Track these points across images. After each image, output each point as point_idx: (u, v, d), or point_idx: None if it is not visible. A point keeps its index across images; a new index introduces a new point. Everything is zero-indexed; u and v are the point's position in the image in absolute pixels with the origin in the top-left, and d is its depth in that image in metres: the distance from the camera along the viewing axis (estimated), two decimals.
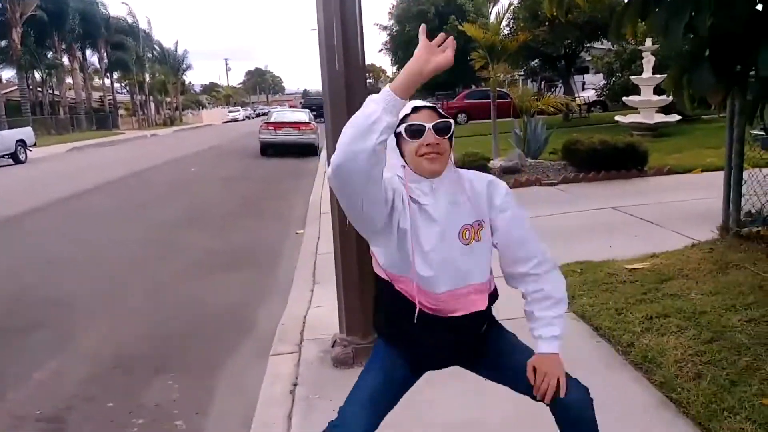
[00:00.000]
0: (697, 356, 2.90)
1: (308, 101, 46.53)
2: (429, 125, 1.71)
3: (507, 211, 1.84)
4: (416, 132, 1.72)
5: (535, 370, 1.80)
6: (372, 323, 2.03)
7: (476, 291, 1.80)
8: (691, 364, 2.84)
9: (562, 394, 1.77)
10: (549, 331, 1.84)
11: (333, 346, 3.36)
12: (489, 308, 1.89)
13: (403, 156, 1.77)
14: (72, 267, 6.18)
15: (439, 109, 1.75)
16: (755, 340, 2.96)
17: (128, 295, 5.16)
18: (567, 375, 1.82)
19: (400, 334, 1.89)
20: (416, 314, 1.77)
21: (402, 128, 1.73)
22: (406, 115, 1.74)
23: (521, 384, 1.85)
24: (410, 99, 1.64)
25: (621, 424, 2.39)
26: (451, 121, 1.76)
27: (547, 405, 1.80)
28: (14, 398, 3.37)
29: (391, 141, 1.76)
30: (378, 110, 1.49)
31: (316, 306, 4.33)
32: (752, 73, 2.48)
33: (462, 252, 1.77)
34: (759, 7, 2.46)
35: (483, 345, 1.92)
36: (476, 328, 1.87)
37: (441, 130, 1.72)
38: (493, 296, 1.89)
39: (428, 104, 1.76)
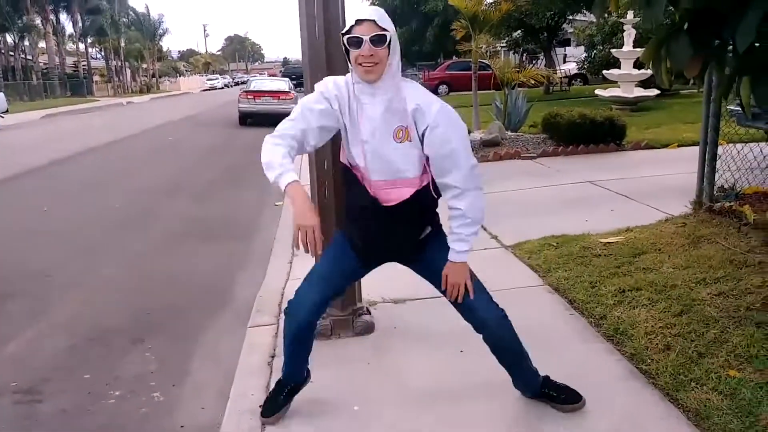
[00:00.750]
0: (666, 328, 2.97)
1: (288, 70, 45.84)
2: (366, 37, 1.98)
3: (438, 127, 2.06)
4: (355, 43, 2.00)
5: (447, 278, 2.21)
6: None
7: (407, 185, 2.14)
8: (661, 336, 2.91)
9: (471, 296, 2.23)
10: (460, 246, 2.18)
11: None
12: (430, 214, 2.28)
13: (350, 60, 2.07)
14: (46, 237, 6.09)
15: (379, 23, 1.99)
16: (723, 314, 3.04)
17: (105, 266, 5.11)
18: (484, 295, 2.28)
19: (353, 220, 2.31)
20: (367, 195, 2.15)
21: (345, 39, 2.03)
22: (351, 27, 2.01)
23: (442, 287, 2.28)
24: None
25: (592, 394, 2.45)
26: (387, 33, 2.01)
27: (459, 310, 2.31)
28: None
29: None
30: (272, 179, 2.12)
31: (294, 278, 4.33)
32: (729, 47, 2.49)
33: (395, 148, 2.10)
34: None
35: (422, 248, 2.29)
36: (410, 220, 2.22)
37: (377, 41, 1.99)
38: (431, 200, 2.21)
39: (370, 17, 2.00)
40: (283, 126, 2.17)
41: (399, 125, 2.08)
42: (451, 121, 2.09)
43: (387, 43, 2.01)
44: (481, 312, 2.27)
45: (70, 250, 5.62)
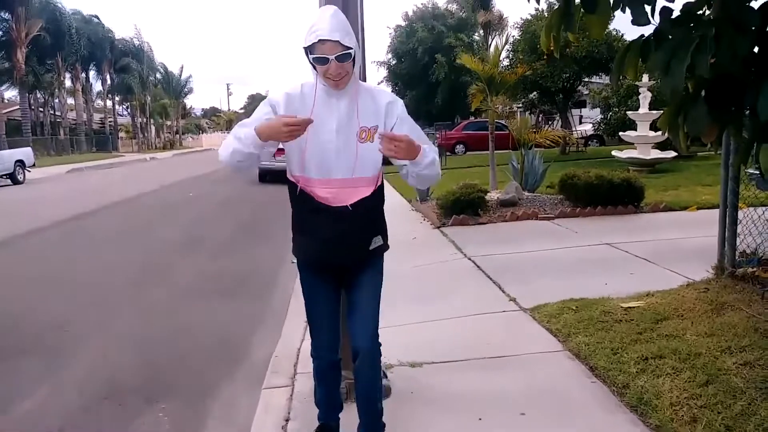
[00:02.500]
0: (692, 399, 2.88)
1: None
2: (332, 57, 2.11)
3: (405, 124, 2.33)
4: (321, 61, 2.14)
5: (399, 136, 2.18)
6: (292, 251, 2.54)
7: (366, 183, 2.32)
8: (687, 407, 2.82)
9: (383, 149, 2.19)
10: (425, 152, 2.26)
11: None
12: (381, 219, 2.46)
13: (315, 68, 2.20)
14: (65, 291, 6.14)
15: (343, 42, 2.11)
16: (750, 384, 2.95)
17: (121, 321, 5.13)
18: (373, 323, 2.46)
19: (304, 232, 2.41)
20: (314, 201, 2.29)
21: (311, 57, 2.16)
22: (314, 45, 2.13)
23: (351, 320, 2.45)
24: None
25: None
26: (351, 50, 2.14)
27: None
28: (2, 427, 3.32)
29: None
30: (249, 145, 2.17)
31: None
32: (747, 112, 2.51)
33: (358, 148, 2.26)
34: (756, 48, 2.51)
35: (364, 265, 2.43)
36: (365, 222, 2.35)
37: (343, 58, 2.13)
38: (381, 200, 2.43)
39: (333, 39, 2.10)
40: (235, 131, 2.28)
41: (362, 126, 2.26)
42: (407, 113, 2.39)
43: (352, 57, 2.16)
44: (359, 337, 2.44)
45: (88, 303, 5.66)
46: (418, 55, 31.57)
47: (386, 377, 3.32)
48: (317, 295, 2.52)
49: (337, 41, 2.10)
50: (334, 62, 2.12)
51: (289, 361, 3.86)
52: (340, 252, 2.37)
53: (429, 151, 2.27)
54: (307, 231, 2.41)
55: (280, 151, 10.14)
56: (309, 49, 2.15)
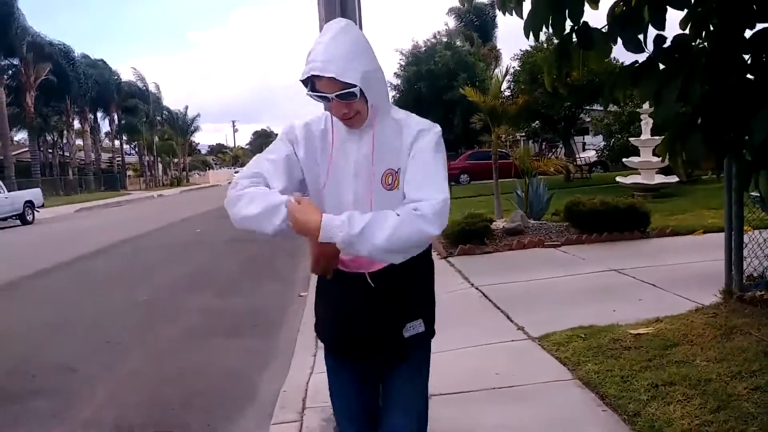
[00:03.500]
0: (704, 426, 2.86)
1: None
2: (331, 95, 1.63)
3: (415, 160, 1.72)
4: (323, 99, 1.68)
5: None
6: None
7: None
8: None
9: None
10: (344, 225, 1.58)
11: None
12: (423, 294, 1.88)
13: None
14: (74, 331, 6.16)
15: (341, 78, 1.60)
16: (762, 409, 2.92)
17: (129, 360, 5.13)
18: (414, 413, 1.88)
19: (322, 300, 1.94)
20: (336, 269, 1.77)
21: (310, 92, 1.68)
22: (310, 80, 1.65)
23: (385, 418, 1.89)
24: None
25: None
26: (354, 89, 1.62)
27: None
28: None
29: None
30: (275, 221, 1.68)
31: (318, 372, 4.29)
32: (746, 138, 2.54)
33: (383, 196, 1.73)
34: (750, 75, 2.55)
35: (399, 352, 1.84)
36: (395, 295, 1.79)
37: (345, 97, 1.64)
38: (426, 266, 1.88)
39: (327, 75, 1.60)
40: (251, 168, 1.82)
41: (388, 169, 1.74)
42: (438, 145, 1.77)
43: (358, 96, 1.64)
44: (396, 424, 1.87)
45: (96, 343, 5.67)
46: (438, 75, 30.86)
47: None
48: (340, 381, 1.98)
49: (332, 77, 1.60)
50: (336, 101, 1.65)
51: (297, 396, 3.85)
52: (359, 334, 1.83)
53: (343, 226, 1.57)
54: (324, 301, 1.94)
55: None
56: (306, 82, 1.67)
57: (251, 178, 1.76)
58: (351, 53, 1.62)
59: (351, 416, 1.96)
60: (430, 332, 1.90)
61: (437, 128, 1.79)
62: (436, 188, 1.66)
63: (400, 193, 1.71)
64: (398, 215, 1.59)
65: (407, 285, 1.81)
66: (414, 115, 1.84)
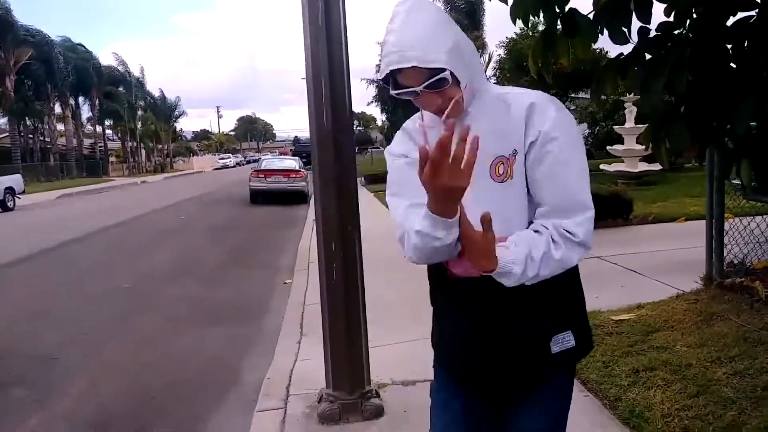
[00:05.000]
0: (683, 411, 2.90)
1: (299, 148, 46.84)
2: (418, 88, 1.35)
3: (550, 149, 1.38)
4: (409, 94, 1.39)
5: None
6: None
7: None
8: (678, 419, 2.83)
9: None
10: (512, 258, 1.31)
11: (319, 402, 3.32)
12: (570, 299, 1.54)
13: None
14: (55, 319, 6.09)
15: (423, 65, 1.32)
16: (740, 394, 2.96)
17: (111, 348, 5.09)
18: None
19: (438, 316, 1.61)
20: (446, 274, 1.47)
21: (394, 93, 1.41)
22: (392, 78, 1.39)
23: None
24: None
25: None
26: (444, 74, 1.32)
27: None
28: None
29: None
30: (440, 234, 1.28)
31: (303, 359, 4.29)
32: (728, 127, 2.56)
33: (494, 192, 1.40)
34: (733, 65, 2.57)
35: (541, 374, 1.50)
36: (534, 304, 1.44)
37: (435, 86, 1.34)
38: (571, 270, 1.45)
39: (408, 64, 1.32)
40: (392, 206, 1.52)
41: (498, 156, 1.40)
42: (569, 125, 1.43)
43: (451, 79, 1.33)
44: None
45: (77, 331, 5.61)
46: None
47: (379, 397, 3.31)
48: (447, 408, 1.60)
49: (414, 66, 1.32)
50: (426, 94, 1.36)
51: (281, 384, 3.84)
52: (487, 355, 1.49)
53: (521, 259, 1.31)
54: (441, 316, 1.61)
55: (269, 172, 10.10)
56: (387, 80, 1.40)
57: (399, 226, 1.45)
58: (430, 33, 1.33)
59: None
60: (583, 347, 1.54)
61: (557, 102, 1.45)
62: (585, 201, 1.40)
63: (515, 185, 1.41)
64: (561, 248, 1.37)
65: (553, 286, 1.44)
66: (515, 87, 1.56)
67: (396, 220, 1.47)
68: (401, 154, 1.52)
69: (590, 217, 1.40)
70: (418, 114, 1.50)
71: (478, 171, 1.26)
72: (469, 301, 1.48)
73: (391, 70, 1.36)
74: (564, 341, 1.48)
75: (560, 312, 1.50)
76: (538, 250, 1.34)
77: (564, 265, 1.38)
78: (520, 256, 1.31)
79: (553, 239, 1.37)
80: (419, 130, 1.50)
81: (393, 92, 1.40)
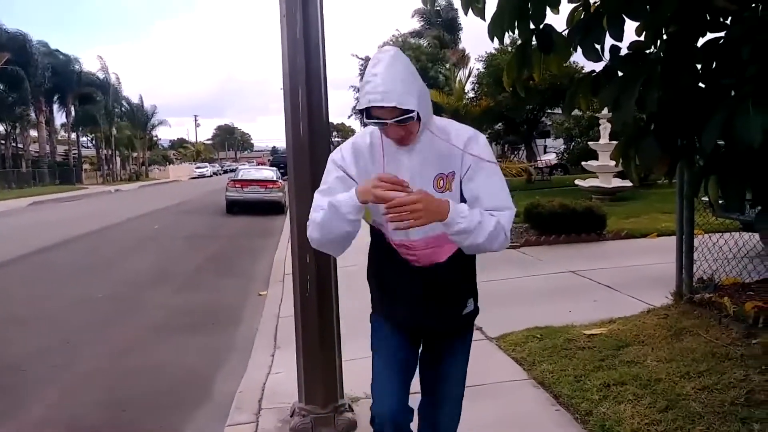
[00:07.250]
0: (653, 425, 2.93)
1: (276, 159, 46.64)
2: (390, 120, 1.77)
3: (479, 173, 1.90)
4: (379, 124, 1.82)
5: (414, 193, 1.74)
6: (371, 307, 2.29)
7: (450, 240, 1.89)
8: None
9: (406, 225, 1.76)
10: (462, 217, 1.79)
11: (291, 416, 3.29)
12: (471, 278, 2.14)
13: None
14: (26, 328, 5.96)
15: (402, 106, 1.74)
16: (708, 409, 3.01)
17: (82, 359, 4.98)
18: (457, 404, 2.18)
19: (384, 284, 2.16)
20: (398, 257, 2.02)
21: (369, 123, 1.84)
22: (369, 109, 1.78)
23: (425, 385, 2.23)
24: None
25: None
26: (413, 114, 1.76)
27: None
28: None
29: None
30: (350, 212, 1.80)
31: (276, 372, 4.25)
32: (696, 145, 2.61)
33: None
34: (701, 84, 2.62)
35: (456, 334, 2.16)
36: (453, 282, 2.05)
37: (404, 120, 1.77)
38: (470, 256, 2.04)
39: (388, 104, 1.73)
40: (319, 201, 1.95)
41: (439, 173, 1.90)
42: (490, 153, 1.97)
43: (416, 116, 1.78)
44: (443, 419, 2.19)
45: (48, 342, 5.49)
46: None
47: (352, 411, 3.29)
48: (391, 345, 2.16)
49: (394, 107, 1.73)
50: (393, 126, 1.78)
51: (253, 397, 3.80)
52: (430, 314, 2.07)
53: (467, 217, 1.80)
54: (391, 290, 2.15)
55: (246, 182, 10.17)
56: (361, 110, 1.81)
57: (314, 212, 1.92)
58: (407, 82, 1.77)
59: (390, 374, 2.11)
60: (477, 311, 2.19)
61: (482, 135, 1.99)
62: (507, 200, 1.93)
63: (452, 195, 1.88)
64: (498, 221, 1.84)
65: (464, 272, 2.09)
66: (453, 120, 2.06)
67: (313, 209, 1.93)
68: (342, 167, 1.96)
69: (513, 213, 1.92)
70: (367, 129, 1.98)
71: (423, 183, 1.86)
72: (417, 282, 2.02)
73: (368, 106, 1.75)
74: (469, 305, 2.13)
75: (468, 284, 2.14)
76: (478, 214, 1.82)
77: (491, 242, 1.84)
78: (472, 217, 1.80)
79: (499, 221, 1.85)
80: (367, 149, 1.96)
81: (367, 121, 1.82)
